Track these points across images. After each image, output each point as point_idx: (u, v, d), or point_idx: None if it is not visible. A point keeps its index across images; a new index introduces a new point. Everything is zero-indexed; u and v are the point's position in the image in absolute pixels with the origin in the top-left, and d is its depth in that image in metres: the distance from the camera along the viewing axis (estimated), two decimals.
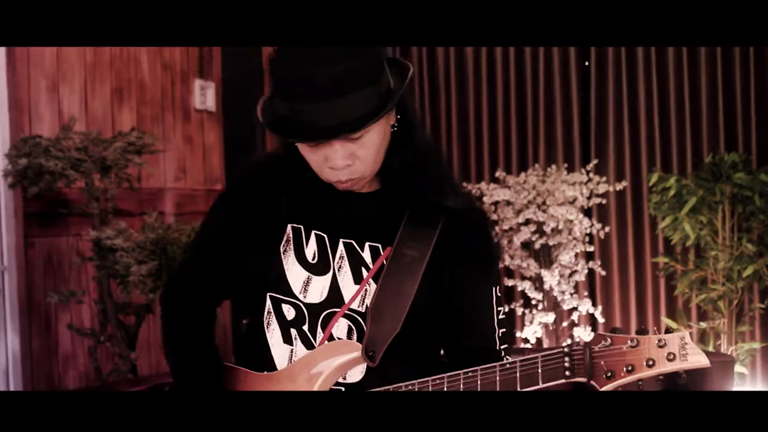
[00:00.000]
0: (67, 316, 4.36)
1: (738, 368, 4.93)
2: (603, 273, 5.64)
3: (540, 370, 1.62)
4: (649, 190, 5.35)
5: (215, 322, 2.00)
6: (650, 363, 1.56)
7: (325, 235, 1.83)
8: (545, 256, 5.41)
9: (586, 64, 5.88)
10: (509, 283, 5.54)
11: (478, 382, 1.66)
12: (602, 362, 1.58)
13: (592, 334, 5.36)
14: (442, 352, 1.93)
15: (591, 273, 5.70)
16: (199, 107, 5.49)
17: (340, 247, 1.82)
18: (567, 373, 1.60)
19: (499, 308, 1.84)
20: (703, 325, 5.17)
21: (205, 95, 5.52)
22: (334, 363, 1.75)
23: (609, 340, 1.60)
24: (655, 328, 1.61)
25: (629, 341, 1.58)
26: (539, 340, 5.41)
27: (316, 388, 1.76)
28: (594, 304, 5.59)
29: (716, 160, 5.09)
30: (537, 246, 5.35)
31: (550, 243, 5.33)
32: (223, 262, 1.92)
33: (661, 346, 1.56)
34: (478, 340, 1.79)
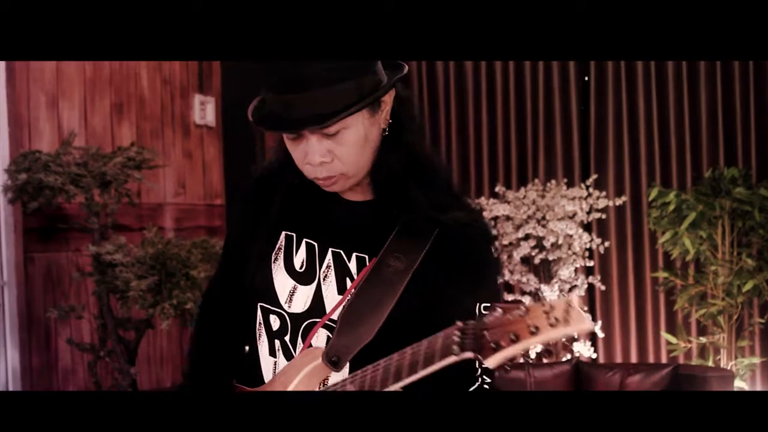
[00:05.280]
0: (66, 331, 4.35)
1: (738, 383, 4.92)
2: (603, 288, 5.64)
3: (438, 348, 1.52)
4: (649, 205, 5.36)
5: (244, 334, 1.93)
6: (533, 330, 1.47)
7: (315, 244, 1.79)
8: (545, 271, 5.41)
9: (586, 78, 5.89)
10: (508, 298, 5.53)
11: (379, 371, 1.59)
12: (488, 333, 1.48)
13: (592, 351, 5.35)
14: None
15: (591, 288, 5.69)
16: (198, 122, 5.50)
17: (329, 256, 1.77)
18: (455, 348, 1.49)
19: None
20: (703, 339, 5.17)
21: (204, 110, 5.53)
22: (301, 372, 1.71)
23: (500, 310, 1.49)
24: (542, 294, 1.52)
25: (517, 310, 1.47)
26: (539, 355, 5.40)
27: None
28: (594, 319, 5.59)
29: (716, 175, 5.10)
30: (536, 261, 5.35)
31: (550, 258, 5.33)
32: (237, 269, 1.89)
33: (546, 312, 1.46)
34: None
